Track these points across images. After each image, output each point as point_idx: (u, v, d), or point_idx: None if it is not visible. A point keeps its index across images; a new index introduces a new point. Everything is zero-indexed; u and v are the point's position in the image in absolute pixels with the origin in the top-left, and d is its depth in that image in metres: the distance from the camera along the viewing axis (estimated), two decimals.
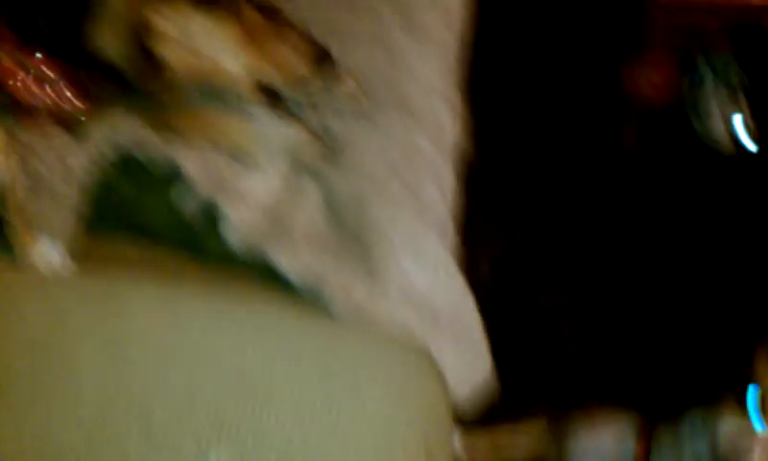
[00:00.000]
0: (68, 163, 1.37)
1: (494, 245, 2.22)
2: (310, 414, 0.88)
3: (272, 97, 1.47)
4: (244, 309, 1.01)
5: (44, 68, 1.39)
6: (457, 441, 1.42)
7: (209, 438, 0.84)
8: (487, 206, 2.20)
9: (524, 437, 1.56)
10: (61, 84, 1.39)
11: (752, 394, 1.19)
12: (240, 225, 1.40)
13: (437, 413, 0.96)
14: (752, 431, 1.15)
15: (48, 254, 1.24)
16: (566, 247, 2.20)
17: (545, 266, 2.20)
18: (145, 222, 1.38)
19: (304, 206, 1.43)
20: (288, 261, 1.35)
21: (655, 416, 1.35)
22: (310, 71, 1.45)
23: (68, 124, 1.39)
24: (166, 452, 0.83)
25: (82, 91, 1.40)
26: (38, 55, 1.38)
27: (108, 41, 1.41)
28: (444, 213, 1.55)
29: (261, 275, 1.39)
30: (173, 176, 1.39)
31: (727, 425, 1.18)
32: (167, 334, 0.94)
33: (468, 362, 1.38)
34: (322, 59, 1.45)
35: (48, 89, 1.39)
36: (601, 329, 1.99)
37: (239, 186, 1.41)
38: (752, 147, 1.90)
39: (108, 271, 1.17)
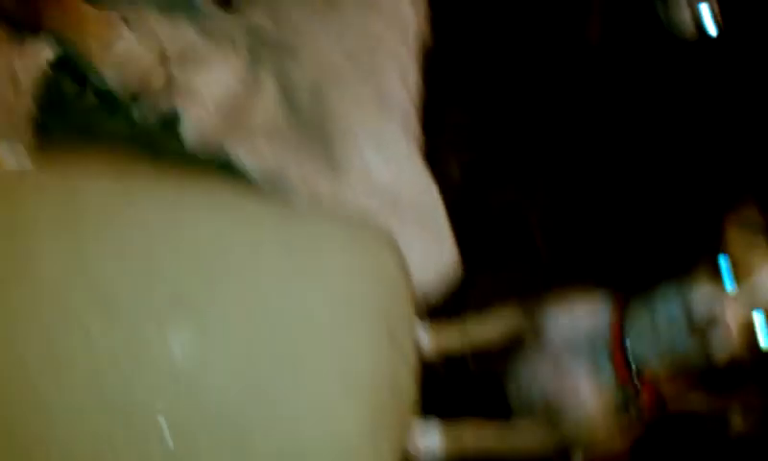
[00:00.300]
0: (13, 68, 1.33)
1: (461, 140, 2.21)
2: (269, 289, 0.88)
3: None
4: (203, 195, 0.99)
5: None
6: (424, 332, 1.43)
7: (169, 314, 0.84)
8: (453, 101, 2.17)
9: (495, 321, 1.57)
10: None
11: (723, 262, 1.19)
12: (196, 123, 1.37)
13: (398, 292, 0.96)
14: (724, 296, 1.16)
15: (6, 155, 1.20)
16: (534, 137, 2.20)
17: (512, 159, 2.19)
18: (98, 126, 1.35)
19: (261, 99, 1.40)
20: (247, 155, 1.33)
21: (628, 290, 1.36)
22: None
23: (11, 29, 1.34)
24: (127, 331, 0.82)
25: None
26: None
27: None
28: (407, 104, 1.53)
29: (221, 171, 1.37)
30: None
31: (699, 291, 1.19)
32: (125, 221, 0.93)
33: (432, 249, 1.38)
34: None
35: None
36: (570, 211, 2.00)
37: (192, 85, 1.37)
38: (714, 32, 1.88)
39: (66, 170, 1.14)
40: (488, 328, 1.63)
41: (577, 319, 1.39)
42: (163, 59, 1.33)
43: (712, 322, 1.12)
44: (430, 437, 1.40)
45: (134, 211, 0.92)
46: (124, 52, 1.32)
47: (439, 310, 1.90)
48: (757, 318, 1.16)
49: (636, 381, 1.27)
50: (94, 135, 1.37)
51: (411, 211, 1.37)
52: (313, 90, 1.37)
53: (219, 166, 1.35)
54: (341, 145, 1.33)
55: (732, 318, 1.12)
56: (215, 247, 0.88)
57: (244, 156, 1.33)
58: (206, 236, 0.89)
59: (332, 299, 0.88)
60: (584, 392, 1.34)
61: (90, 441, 0.78)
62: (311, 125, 1.38)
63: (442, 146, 2.16)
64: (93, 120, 1.38)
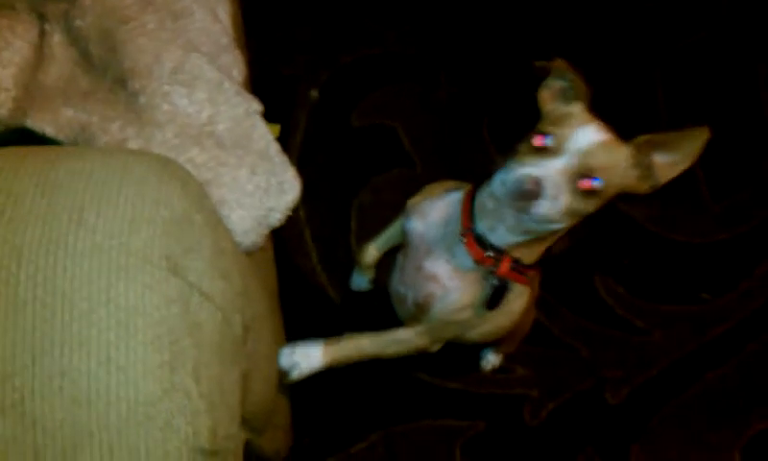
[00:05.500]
0: None
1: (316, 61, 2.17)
2: (34, 253, 0.82)
3: None
4: None
5: None
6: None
7: None
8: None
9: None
10: None
11: (542, 131, 1.18)
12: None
13: (184, 224, 0.91)
14: (545, 164, 1.15)
15: None
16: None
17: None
18: None
19: (54, 60, 1.32)
20: (48, 122, 1.25)
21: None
22: None
23: None
24: None
25: None
26: None
27: None
28: (221, 36, 1.46)
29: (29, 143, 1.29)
30: None
31: (522, 164, 1.18)
32: None
33: (271, 187, 1.32)
34: None
35: None
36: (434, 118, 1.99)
37: None
38: None
39: None
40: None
41: (430, 215, 1.40)
42: None
43: (535, 190, 1.11)
44: (309, 355, 1.43)
45: None
46: None
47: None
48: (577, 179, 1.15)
49: (491, 256, 1.27)
50: None
51: (236, 150, 1.31)
52: (102, 37, 1.29)
53: (21, 140, 1.27)
54: (140, 88, 1.26)
55: (553, 184, 1.12)
56: None
57: (44, 124, 1.25)
58: None
59: (101, 251, 0.82)
60: (444, 278, 1.35)
61: None
62: (109, 75, 1.31)
63: (297, 69, 2.13)
64: None
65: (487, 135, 2.15)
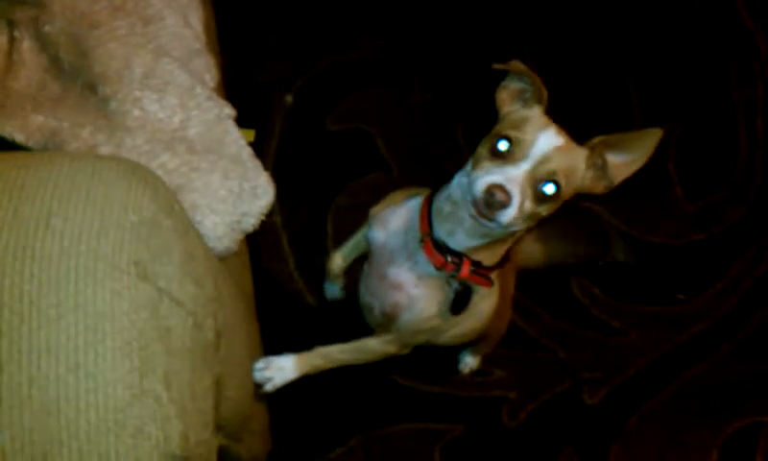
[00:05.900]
0: None
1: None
2: (1, 259, 0.81)
3: None
4: None
5: None
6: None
7: None
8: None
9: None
10: None
11: (499, 136, 1.18)
12: None
13: (152, 232, 0.90)
14: (502, 170, 1.15)
15: None
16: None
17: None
18: None
19: (24, 65, 1.30)
20: (19, 129, 1.24)
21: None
22: None
23: None
24: None
25: None
26: None
27: None
28: (192, 41, 1.45)
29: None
30: None
31: (479, 170, 1.18)
32: None
33: (244, 191, 1.31)
34: None
35: None
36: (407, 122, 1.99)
37: None
38: None
39: None
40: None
41: (391, 223, 1.39)
42: None
43: (505, 200, 1.11)
44: (282, 368, 1.43)
45: None
46: None
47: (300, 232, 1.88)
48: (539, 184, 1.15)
49: (451, 261, 1.27)
50: None
51: (208, 155, 1.30)
52: (72, 42, 1.28)
53: None
54: (111, 94, 1.25)
55: (520, 191, 1.12)
56: None
57: (14, 130, 1.24)
58: None
59: (69, 255, 0.81)
60: (408, 286, 1.34)
61: None
62: (79, 80, 1.30)
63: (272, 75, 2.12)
64: None
65: (461, 139, 2.16)
